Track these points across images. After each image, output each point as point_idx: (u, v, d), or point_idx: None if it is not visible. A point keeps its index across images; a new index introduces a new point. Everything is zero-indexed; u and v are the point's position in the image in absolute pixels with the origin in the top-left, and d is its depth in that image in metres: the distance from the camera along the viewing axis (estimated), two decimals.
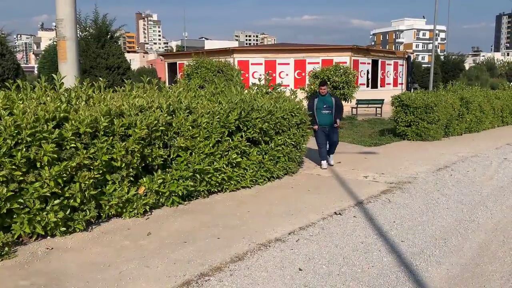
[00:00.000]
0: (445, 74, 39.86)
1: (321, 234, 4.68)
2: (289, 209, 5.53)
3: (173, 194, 5.54)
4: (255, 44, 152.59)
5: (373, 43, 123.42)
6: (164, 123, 5.40)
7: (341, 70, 13.93)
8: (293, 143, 7.26)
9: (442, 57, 44.69)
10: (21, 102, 4.73)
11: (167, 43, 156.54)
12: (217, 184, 6.08)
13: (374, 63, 26.33)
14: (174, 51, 63.29)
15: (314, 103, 8.12)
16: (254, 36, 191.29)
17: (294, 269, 3.81)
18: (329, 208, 5.59)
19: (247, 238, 4.49)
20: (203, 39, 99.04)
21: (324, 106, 8.00)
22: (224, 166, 6.06)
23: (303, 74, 22.32)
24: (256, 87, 7.70)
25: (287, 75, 22.84)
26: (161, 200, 5.48)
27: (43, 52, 30.10)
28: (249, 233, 4.64)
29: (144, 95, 5.94)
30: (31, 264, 3.84)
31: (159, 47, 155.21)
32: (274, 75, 21.01)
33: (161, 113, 5.45)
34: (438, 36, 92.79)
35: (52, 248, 4.19)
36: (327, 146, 8.29)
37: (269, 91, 7.75)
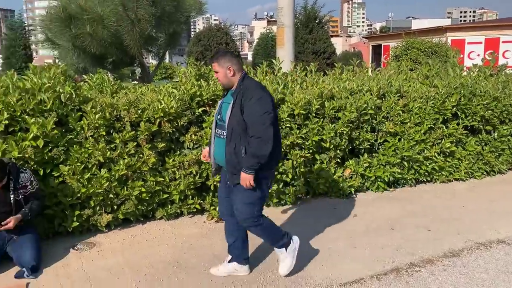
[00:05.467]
0: None
1: None
2: None
3: (379, 180, 5.46)
4: (471, 21, 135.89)
5: None
6: (373, 107, 5.33)
7: None
8: None
9: None
10: None
11: (370, 25, 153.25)
12: (426, 174, 5.72)
13: None
14: (378, 33, 61.50)
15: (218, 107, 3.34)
16: (470, 12, 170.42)
17: None
18: None
19: (462, 235, 4.11)
20: (410, 18, 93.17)
21: (218, 116, 3.25)
22: (436, 155, 5.63)
23: None
24: (477, 69, 6.86)
25: None
26: (366, 184, 5.46)
27: (256, 40, 33.27)
28: (464, 230, 4.23)
29: (353, 78, 5.97)
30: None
31: (362, 30, 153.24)
32: (496, 55, 18.36)
33: (371, 97, 5.39)
34: None
35: (267, 217, 4.63)
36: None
37: (493, 74, 6.81)
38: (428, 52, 10.66)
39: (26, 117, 3.80)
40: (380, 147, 5.54)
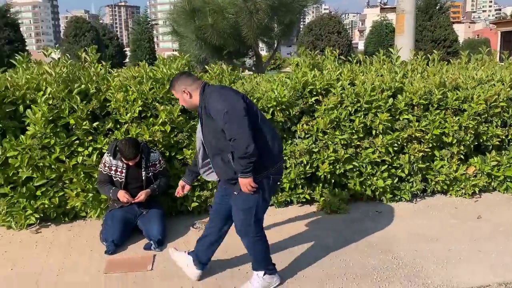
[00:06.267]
0: None
1: None
2: None
3: (508, 180, 4.93)
4: None
5: None
6: (505, 99, 4.81)
7: None
8: None
9: None
10: (361, 74, 5.15)
11: (499, 10, 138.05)
12: None
13: None
14: (509, 17, 55.04)
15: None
16: None
17: None
18: None
19: None
20: None
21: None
22: None
23: None
24: None
25: None
26: (492, 184, 4.98)
27: (369, 28, 32.08)
28: None
29: (482, 67, 5.46)
30: (362, 222, 4.23)
31: (489, 15, 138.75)
32: None
33: (503, 87, 4.87)
34: None
35: (380, 212, 4.49)
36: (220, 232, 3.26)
37: None
38: None
39: (157, 104, 4.16)
40: (511, 143, 5.00)
